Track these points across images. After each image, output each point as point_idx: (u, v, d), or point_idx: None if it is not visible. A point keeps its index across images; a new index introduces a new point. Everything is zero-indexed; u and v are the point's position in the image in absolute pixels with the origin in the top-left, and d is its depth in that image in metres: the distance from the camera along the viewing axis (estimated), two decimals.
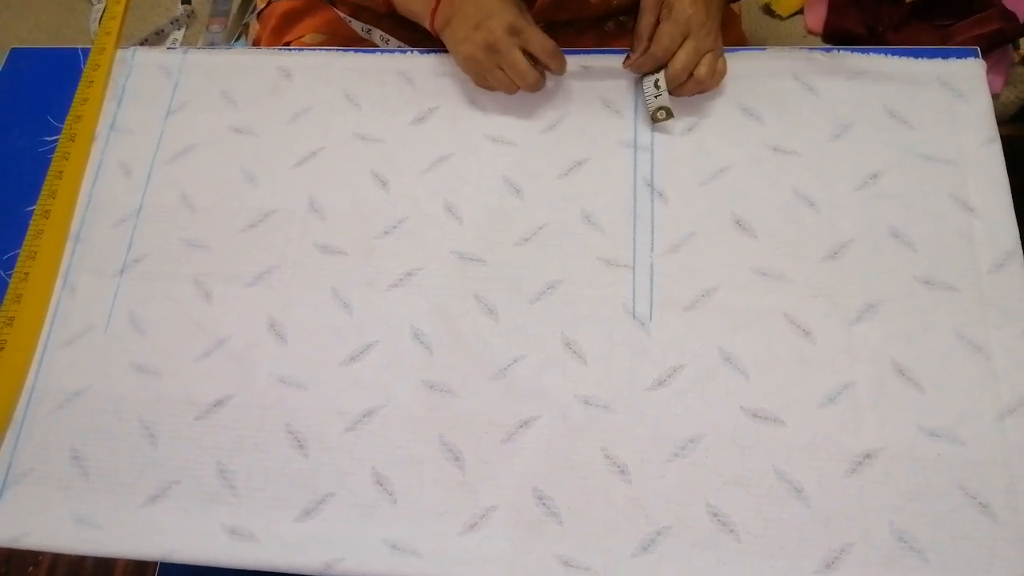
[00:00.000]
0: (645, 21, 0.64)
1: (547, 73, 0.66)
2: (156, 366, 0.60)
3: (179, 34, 1.15)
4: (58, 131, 0.71)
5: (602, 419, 0.56)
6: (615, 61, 0.68)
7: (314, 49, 0.75)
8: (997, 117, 0.65)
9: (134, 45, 0.76)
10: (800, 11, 1.06)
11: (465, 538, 0.53)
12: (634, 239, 0.62)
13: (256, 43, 0.88)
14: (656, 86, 0.64)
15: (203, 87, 0.72)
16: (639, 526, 0.53)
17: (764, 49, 0.69)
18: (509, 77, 0.65)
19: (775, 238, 0.61)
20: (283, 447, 0.57)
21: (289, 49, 0.77)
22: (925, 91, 0.66)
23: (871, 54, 0.68)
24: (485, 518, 0.54)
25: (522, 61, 0.64)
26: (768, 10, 1.08)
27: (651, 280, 0.60)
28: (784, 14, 1.07)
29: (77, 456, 0.58)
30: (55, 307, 0.63)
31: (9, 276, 0.65)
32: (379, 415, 0.57)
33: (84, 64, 0.74)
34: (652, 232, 0.62)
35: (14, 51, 0.77)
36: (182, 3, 1.16)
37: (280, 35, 0.83)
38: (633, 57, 0.65)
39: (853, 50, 0.68)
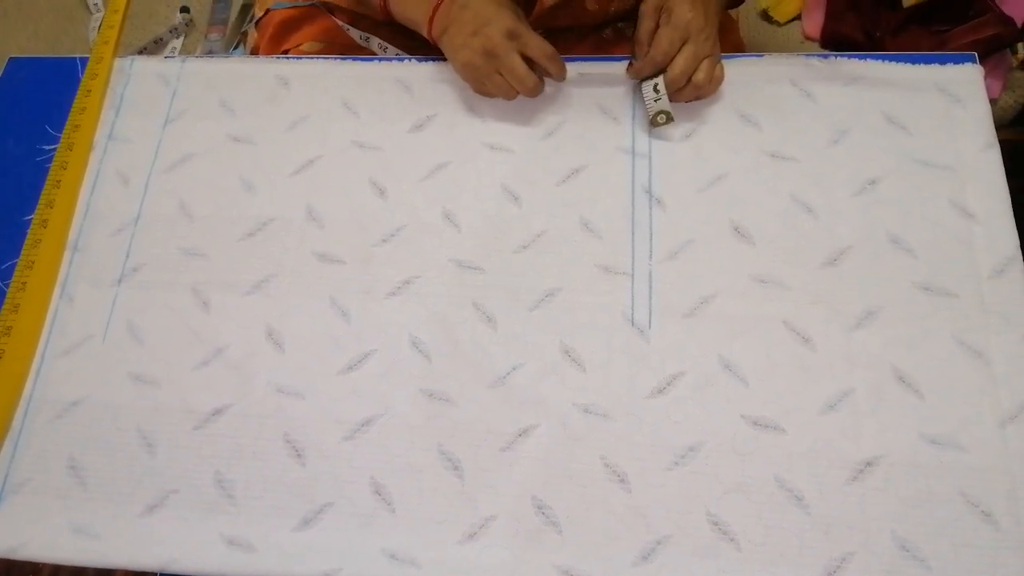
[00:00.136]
0: (645, 27, 0.64)
1: (546, 80, 0.66)
2: (154, 375, 0.60)
3: (178, 42, 1.15)
4: (56, 140, 0.71)
5: (601, 427, 0.56)
6: (613, 68, 0.68)
7: (312, 57, 0.75)
8: (995, 122, 0.65)
9: (132, 54, 0.76)
10: (797, 17, 1.07)
11: (464, 547, 0.53)
12: (632, 246, 0.62)
13: (254, 51, 0.88)
14: (655, 90, 0.64)
15: (201, 96, 0.72)
16: (639, 535, 0.52)
17: (762, 56, 0.69)
18: (508, 83, 0.65)
19: (774, 245, 0.61)
20: (281, 456, 0.57)
21: (287, 57, 0.77)
22: (923, 97, 0.66)
23: (869, 60, 0.68)
24: (484, 527, 0.53)
25: (521, 66, 0.64)
26: (766, 16, 1.08)
27: (650, 287, 0.60)
28: (782, 20, 1.07)
29: (75, 466, 0.58)
30: (53, 317, 0.63)
31: (7, 286, 0.64)
32: (377, 424, 0.57)
33: (82, 73, 0.74)
34: (650, 239, 0.62)
35: (12, 60, 0.77)
36: (180, 12, 1.16)
37: (278, 43, 0.83)
38: (634, 63, 0.65)
39: (851, 56, 0.68)
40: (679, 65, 0.63)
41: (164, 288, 0.63)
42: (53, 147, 0.71)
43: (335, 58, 0.73)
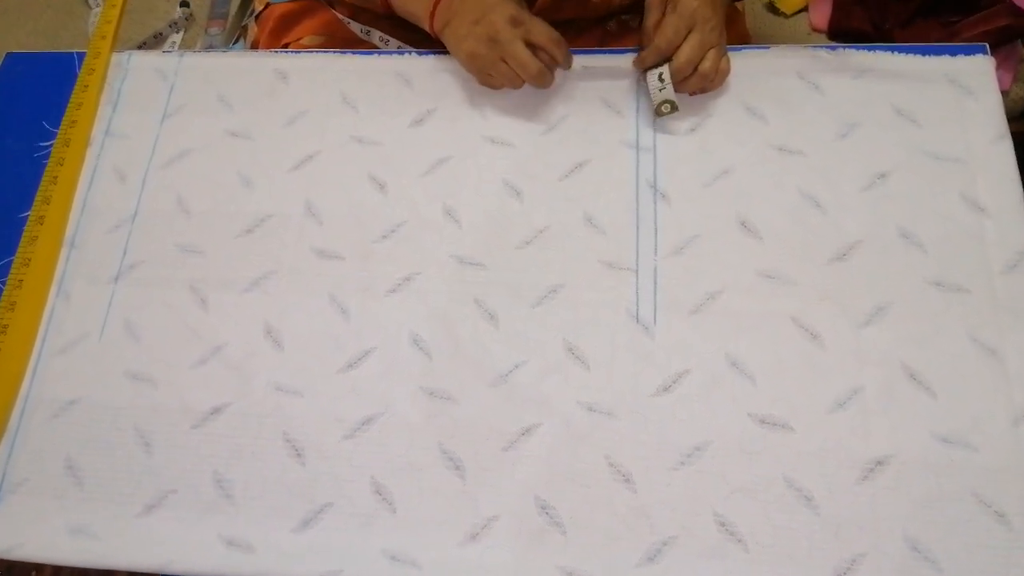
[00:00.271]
0: (652, 18, 0.63)
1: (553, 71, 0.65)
2: (151, 374, 0.59)
3: (177, 37, 1.15)
4: (53, 136, 0.70)
5: (605, 426, 0.55)
6: (616, 61, 0.67)
7: (311, 51, 0.74)
8: (1007, 114, 0.64)
9: (132, 49, 0.76)
10: (804, 8, 1.05)
11: (466, 548, 0.52)
12: (637, 242, 0.61)
13: (255, 45, 0.87)
14: (660, 79, 0.63)
15: (199, 90, 0.71)
16: (644, 536, 0.51)
17: (768, 48, 0.68)
18: (512, 71, 0.64)
19: (781, 240, 0.60)
20: (280, 456, 0.56)
21: (285, 51, 0.76)
22: (933, 88, 0.64)
23: (877, 52, 0.66)
24: (486, 528, 0.52)
25: (524, 51, 0.62)
26: (772, 7, 1.06)
27: (654, 283, 0.59)
28: (788, 11, 1.06)
29: (72, 466, 0.57)
30: (49, 315, 0.63)
31: (3, 284, 0.64)
32: (378, 423, 0.56)
33: (80, 68, 0.73)
34: (655, 234, 0.61)
35: (9, 56, 0.76)
36: (180, 6, 1.15)
37: (278, 37, 0.82)
38: (640, 54, 0.64)
39: (859, 48, 0.67)
40: (685, 53, 0.62)
41: (161, 285, 0.63)
42: (50, 143, 0.70)
43: (334, 52, 0.72)
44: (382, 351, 0.59)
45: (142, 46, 1.11)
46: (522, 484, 0.53)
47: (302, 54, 0.73)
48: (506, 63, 0.63)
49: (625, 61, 0.67)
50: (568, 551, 0.52)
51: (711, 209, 0.61)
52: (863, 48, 0.67)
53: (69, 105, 0.71)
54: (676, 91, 0.63)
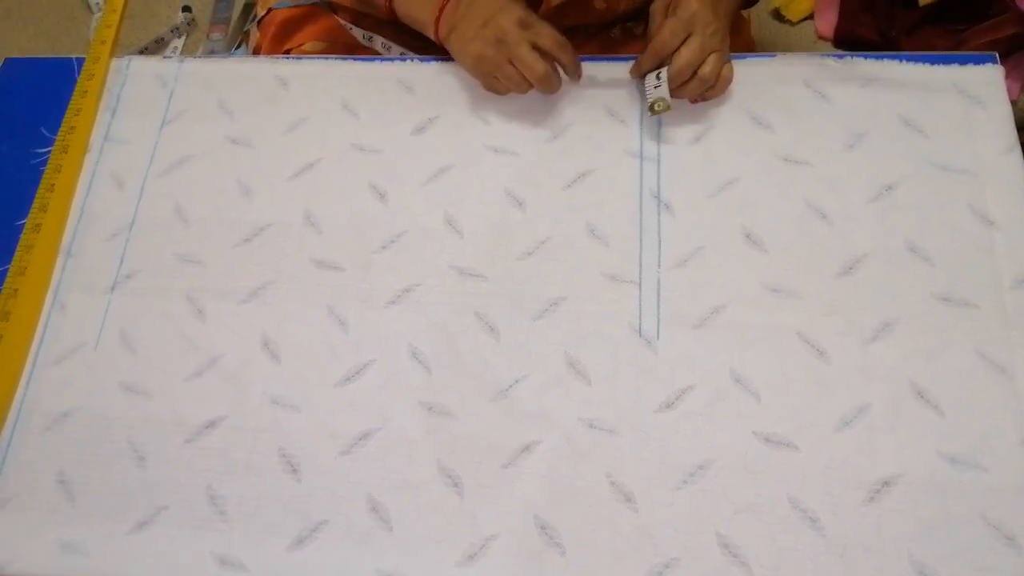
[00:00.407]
0: (656, 26, 0.62)
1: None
2: (146, 386, 0.58)
3: (179, 42, 1.14)
4: (51, 142, 0.69)
5: (607, 443, 0.54)
6: (620, 69, 0.66)
7: (312, 57, 0.73)
8: (1016, 124, 0.62)
9: (133, 54, 0.75)
10: (810, 16, 1.04)
11: (463, 569, 0.51)
12: (640, 253, 0.60)
13: (256, 51, 0.86)
14: (657, 78, 0.62)
15: (199, 97, 0.71)
16: (646, 557, 0.50)
17: (774, 56, 0.67)
18: (519, 73, 0.63)
19: (786, 252, 0.59)
20: (276, 471, 0.55)
21: (286, 57, 0.75)
22: (941, 98, 0.63)
23: (885, 60, 0.65)
24: (484, 547, 0.51)
25: (531, 53, 0.61)
26: (778, 15, 1.05)
27: (658, 296, 0.58)
28: (794, 19, 1.04)
29: (64, 480, 0.56)
30: (44, 324, 0.62)
31: None
32: (375, 438, 0.55)
33: (79, 74, 0.73)
34: (659, 246, 0.60)
35: (8, 61, 0.76)
36: (182, 11, 1.15)
37: (280, 43, 0.82)
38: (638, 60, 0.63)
39: (866, 56, 0.66)
40: (683, 56, 0.60)
41: (158, 295, 0.62)
42: (48, 150, 0.69)
43: (335, 58, 0.72)
44: (381, 364, 0.58)
45: (143, 51, 1.11)
46: (521, 502, 0.52)
47: (303, 60, 0.72)
48: (513, 65, 0.63)
49: (629, 69, 0.66)
50: (568, 572, 0.50)
51: (716, 220, 0.60)
52: (870, 57, 0.66)
53: (68, 111, 0.70)
54: (677, 97, 0.62)
